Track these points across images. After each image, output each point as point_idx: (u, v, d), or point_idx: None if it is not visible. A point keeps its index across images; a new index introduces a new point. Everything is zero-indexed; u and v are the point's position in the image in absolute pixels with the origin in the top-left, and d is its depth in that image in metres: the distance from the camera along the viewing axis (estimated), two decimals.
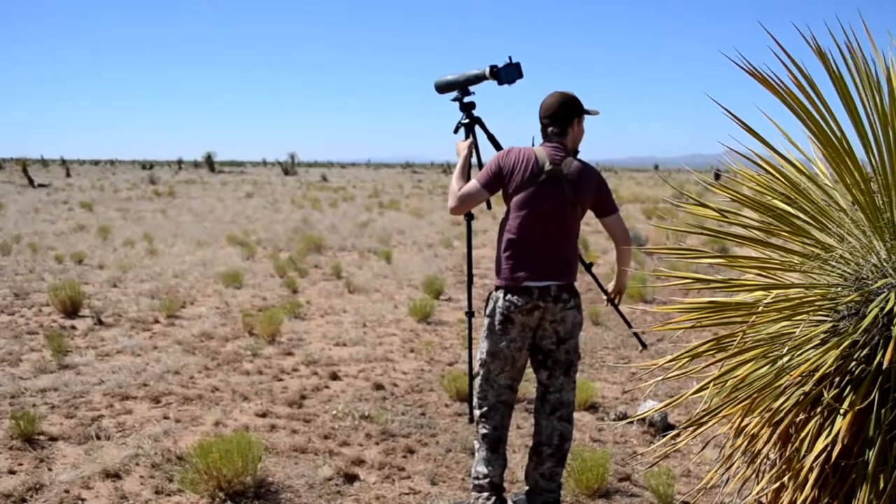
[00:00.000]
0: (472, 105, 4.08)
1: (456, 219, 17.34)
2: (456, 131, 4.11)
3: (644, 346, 4.37)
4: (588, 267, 3.95)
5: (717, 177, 3.57)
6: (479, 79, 4.03)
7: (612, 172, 76.59)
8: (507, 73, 3.95)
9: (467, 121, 4.06)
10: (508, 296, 3.46)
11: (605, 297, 3.91)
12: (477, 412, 3.65)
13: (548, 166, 3.45)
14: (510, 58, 3.95)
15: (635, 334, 4.22)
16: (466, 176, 3.69)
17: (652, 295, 9.02)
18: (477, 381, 3.65)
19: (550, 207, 3.44)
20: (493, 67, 3.94)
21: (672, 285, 2.82)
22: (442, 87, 4.14)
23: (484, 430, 3.60)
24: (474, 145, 4.01)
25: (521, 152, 3.53)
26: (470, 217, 4.19)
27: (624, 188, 37.13)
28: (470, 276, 4.20)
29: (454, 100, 4.11)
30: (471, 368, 4.22)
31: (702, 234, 2.68)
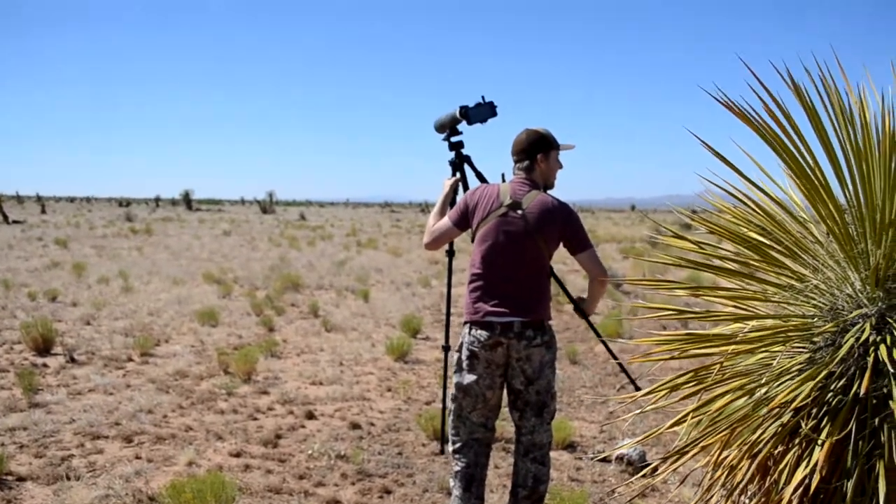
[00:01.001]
0: (459, 144, 4.18)
1: (434, 257, 17.34)
2: (454, 171, 4.22)
3: (637, 387, 4.36)
4: (574, 301, 3.95)
5: (695, 213, 3.62)
6: (455, 120, 4.12)
7: (590, 213, 77.16)
8: (477, 113, 4.03)
9: (454, 159, 4.16)
10: (473, 330, 3.46)
11: (577, 313, 3.86)
12: (450, 447, 3.62)
13: (507, 200, 3.48)
14: (483, 97, 4.02)
15: (626, 372, 4.19)
16: (444, 213, 3.78)
17: (630, 331, 9.03)
18: (450, 418, 3.63)
19: (509, 241, 3.46)
20: (462, 108, 4.02)
21: (648, 317, 2.82)
22: (437, 128, 4.28)
23: (457, 467, 3.56)
24: (461, 183, 4.08)
25: (486, 189, 3.61)
26: (451, 254, 4.33)
27: (601, 228, 37.39)
28: (448, 311, 4.26)
29: (444, 139, 4.21)
30: (444, 402, 4.32)
31: (678, 265, 2.69)
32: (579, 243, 3.54)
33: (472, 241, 3.61)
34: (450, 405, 3.62)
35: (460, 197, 3.85)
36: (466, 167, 4.18)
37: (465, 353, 3.49)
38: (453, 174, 4.16)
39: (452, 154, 4.18)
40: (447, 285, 4.47)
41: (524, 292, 3.47)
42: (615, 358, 4.15)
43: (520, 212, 3.46)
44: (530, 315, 3.43)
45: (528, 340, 3.41)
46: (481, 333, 3.43)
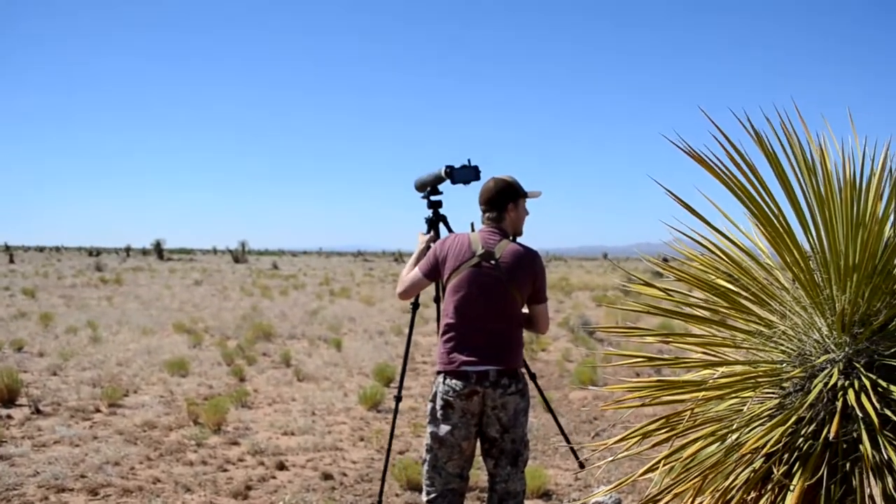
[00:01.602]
0: (438, 203, 4.31)
1: (407, 306, 17.31)
2: (430, 228, 4.35)
3: (582, 465, 4.82)
4: (532, 376, 4.13)
5: (665, 261, 3.69)
6: (439, 179, 4.23)
7: (563, 261, 77.61)
8: (461, 175, 4.12)
9: (431, 217, 4.27)
10: (447, 380, 3.45)
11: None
12: (425, 498, 3.57)
13: (480, 250, 3.50)
14: (468, 160, 4.11)
15: (572, 450, 4.55)
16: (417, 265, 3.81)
17: (603, 379, 9.03)
18: (425, 468, 3.58)
19: (483, 291, 3.48)
20: (448, 167, 4.12)
21: (621, 364, 2.83)
22: (417, 187, 4.41)
23: None
24: (434, 240, 4.15)
25: (455, 238, 3.63)
26: (415, 306, 4.50)
27: (574, 276, 37.60)
28: (405, 362, 4.54)
29: (423, 197, 4.32)
30: (388, 454, 4.53)
31: (649, 312, 2.72)
32: (541, 295, 3.62)
33: (443, 291, 3.63)
34: (424, 455, 3.58)
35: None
36: (442, 226, 4.31)
37: (439, 402, 3.47)
38: (429, 230, 4.26)
39: (430, 212, 4.30)
40: (408, 336, 4.65)
41: (498, 341, 3.47)
42: (563, 434, 4.43)
43: (493, 262, 3.49)
44: (504, 363, 3.44)
45: (503, 389, 3.41)
46: (456, 383, 3.41)
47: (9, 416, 6.93)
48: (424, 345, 12.52)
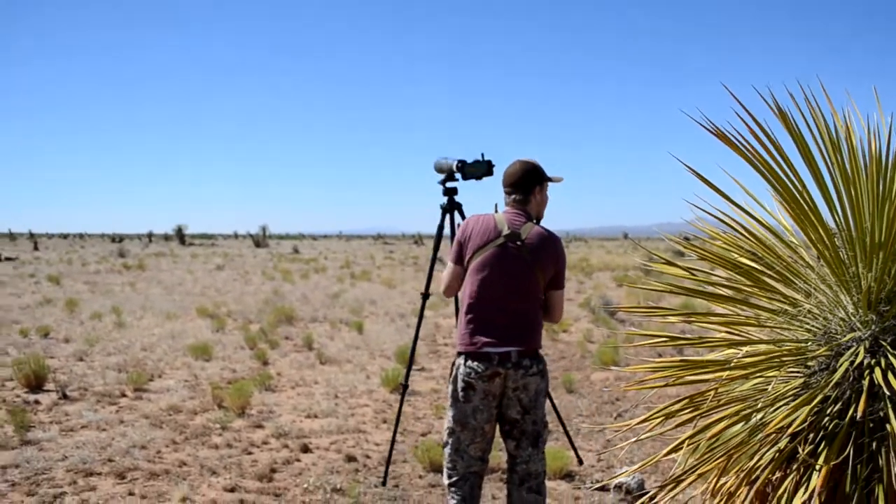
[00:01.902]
0: (453, 191, 4.25)
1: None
2: (444, 216, 4.36)
3: (580, 460, 5.07)
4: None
5: (687, 241, 3.67)
6: (452, 170, 4.18)
7: (583, 241, 77.32)
8: (473, 170, 4.07)
9: (446, 204, 4.23)
10: (469, 362, 3.43)
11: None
12: (446, 481, 3.57)
13: (506, 230, 3.48)
14: (482, 154, 4.06)
15: (571, 444, 4.97)
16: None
17: (625, 360, 9.00)
18: (447, 451, 3.57)
19: (507, 271, 3.45)
20: (459, 162, 4.08)
21: (643, 345, 2.82)
22: (436, 169, 4.36)
23: (452, 501, 3.53)
24: (449, 226, 4.14)
25: (479, 219, 3.58)
26: (426, 297, 4.59)
27: (594, 257, 37.45)
28: (413, 351, 4.82)
29: (439, 182, 4.28)
30: (393, 438, 4.79)
31: (671, 292, 2.69)
32: (561, 280, 3.61)
33: (466, 269, 3.59)
34: (445, 438, 3.58)
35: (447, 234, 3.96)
36: (456, 214, 4.28)
37: (460, 384, 3.46)
38: (443, 217, 4.24)
39: (445, 199, 4.28)
40: (416, 327, 4.76)
41: (521, 321, 3.46)
42: (561, 421, 4.52)
43: (519, 242, 3.47)
44: (526, 344, 3.43)
45: (524, 370, 3.40)
46: (478, 364, 3.40)
47: (36, 402, 7.02)
48: (445, 327, 12.54)
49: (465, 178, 4.11)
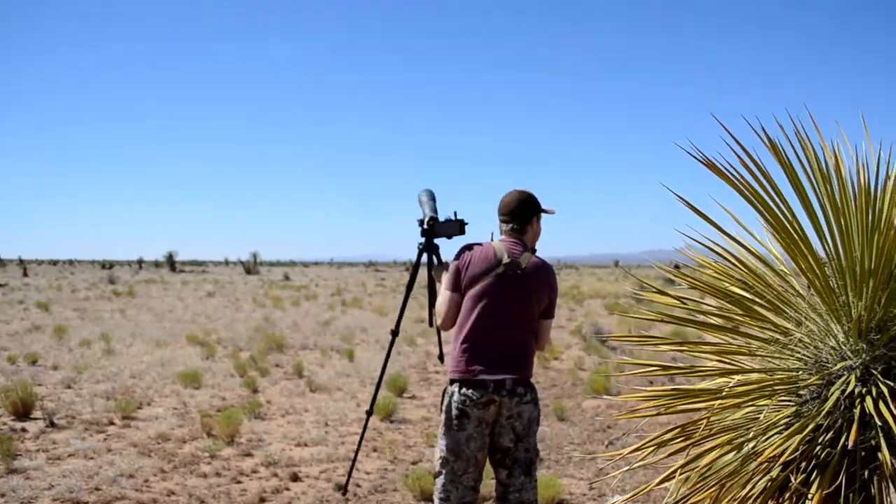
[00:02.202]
0: (431, 233, 4.11)
1: (420, 316, 17.30)
2: (421, 254, 4.17)
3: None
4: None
5: (677, 268, 3.64)
6: (421, 222, 4.08)
7: (574, 269, 77.46)
8: (443, 228, 4.01)
9: (424, 244, 4.10)
10: (463, 389, 3.41)
11: None
12: None
13: (506, 259, 3.48)
14: (455, 213, 4.01)
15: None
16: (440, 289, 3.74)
17: (616, 387, 8.98)
18: (439, 481, 3.52)
19: (506, 300, 3.46)
20: (431, 219, 3.99)
21: (635, 374, 2.82)
22: (419, 202, 4.18)
23: None
24: (445, 267, 4.05)
25: (479, 247, 3.57)
26: (395, 334, 4.62)
27: (585, 284, 37.50)
28: (379, 384, 4.69)
29: (419, 221, 4.13)
30: (351, 469, 4.81)
31: (662, 321, 2.70)
32: (552, 309, 3.63)
33: (462, 296, 3.53)
34: (438, 468, 3.53)
35: (423, 274, 3.99)
36: (434, 257, 4.14)
37: (454, 412, 3.43)
38: (419, 255, 4.11)
39: (423, 240, 4.12)
40: (384, 362, 4.74)
41: (516, 350, 3.47)
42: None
43: (518, 271, 3.48)
44: (520, 372, 3.43)
45: (519, 397, 3.40)
46: (473, 392, 3.39)
47: (23, 430, 6.95)
48: (436, 354, 12.50)
49: (436, 236, 4.05)
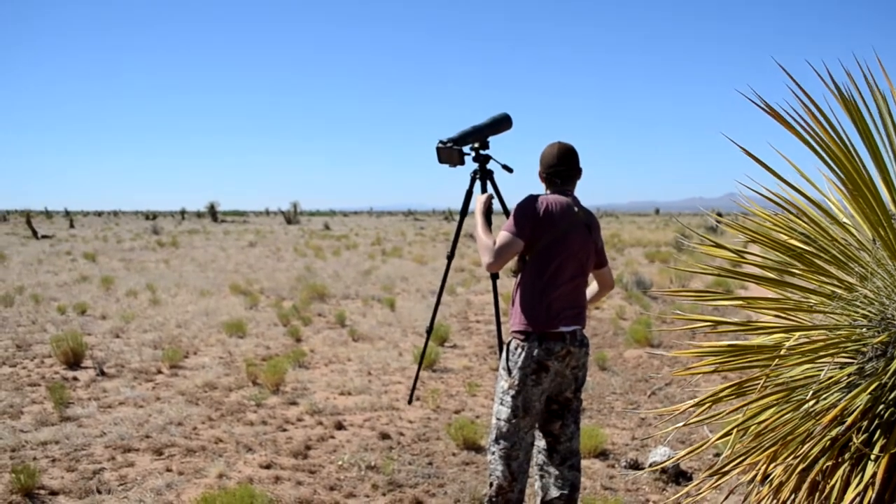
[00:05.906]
0: (486, 158, 3.99)
1: (459, 265, 17.31)
2: (474, 182, 4.04)
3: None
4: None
5: (719, 216, 3.53)
6: (480, 137, 3.97)
7: (614, 217, 76.68)
8: (445, 155, 3.89)
9: (478, 171, 3.99)
10: (545, 343, 3.32)
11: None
12: (505, 483, 3.39)
13: (577, 211, 3.44)
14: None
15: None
16: (489, 228, 3.54)
17: (658, 339, 8.91)
18: (502, 444, 3.37)
19: (579, 251, 3.43)
20: (440, 143, 3.87)
21: (690, 328, 2.75)
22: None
23: (510, 496, 3.38)
24: (496, 195, 3.97)
25: (553, 199, 3.42)
26: (450, 258, 4.33)
27: (626, 232, 37.16)
28: (438, 301, 4.46)
29: (471, 149, 4.02)
30: (415, 384, 4.67)
31: (716, 275, 2.62)
32: (605, 258, 3.68)
33: (532, 249, 3.39)
34: (502, 429, 3.37)
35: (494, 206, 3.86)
36: (488, 183, 4.00)
37: (531, 366, 3.32)
38: (483, 189, 3.98)
39: (476, 166, 3.99)
40: (440, 285, 4.46)
41: (581, 301, 3.49)
42: None
43: (587, 224, 3.48)
44: (583, 322, 3.47)
45: (585, 347, 3.45)
46: (554, 345, 3.33)
47: (75, 378, 7.12)
48: (477, 303, 12.51)
49: (439, 161, 3.93)
